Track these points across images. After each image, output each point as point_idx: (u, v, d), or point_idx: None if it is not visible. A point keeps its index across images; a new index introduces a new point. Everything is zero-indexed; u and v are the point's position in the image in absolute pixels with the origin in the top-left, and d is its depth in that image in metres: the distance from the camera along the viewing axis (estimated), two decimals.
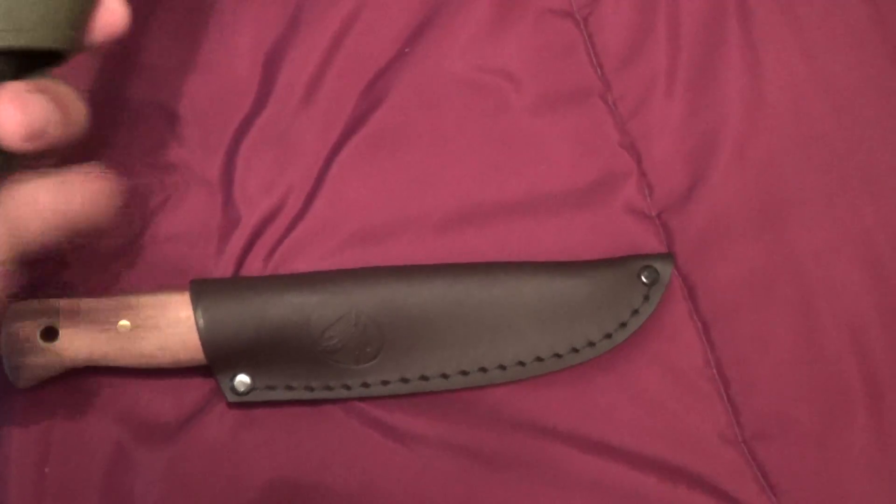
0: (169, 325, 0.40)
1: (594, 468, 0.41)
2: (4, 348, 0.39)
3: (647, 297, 0.42)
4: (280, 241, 0.44)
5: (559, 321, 0.42)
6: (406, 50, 0.46)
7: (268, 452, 0.41)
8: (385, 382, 0.41)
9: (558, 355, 0.42)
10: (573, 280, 0.42)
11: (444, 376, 0.42)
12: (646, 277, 0.42)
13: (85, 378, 0.42)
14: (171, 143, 0.45)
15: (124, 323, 0.40)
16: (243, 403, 0.41)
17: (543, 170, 0.45)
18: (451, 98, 0.46)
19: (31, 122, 0.31)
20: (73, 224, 0.33)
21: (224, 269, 0.43)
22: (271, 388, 0.41)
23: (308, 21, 0.46)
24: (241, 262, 0.44)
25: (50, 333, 0.39)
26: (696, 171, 0.45)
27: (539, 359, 0.42)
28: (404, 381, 0.41)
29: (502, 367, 0.42)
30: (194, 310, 0.40)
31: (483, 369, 0.42)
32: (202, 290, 0.40)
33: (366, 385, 0.41)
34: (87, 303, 0.40)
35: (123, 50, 0.46)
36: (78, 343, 0.40)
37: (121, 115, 0.45)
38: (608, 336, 0.42)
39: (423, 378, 0.42)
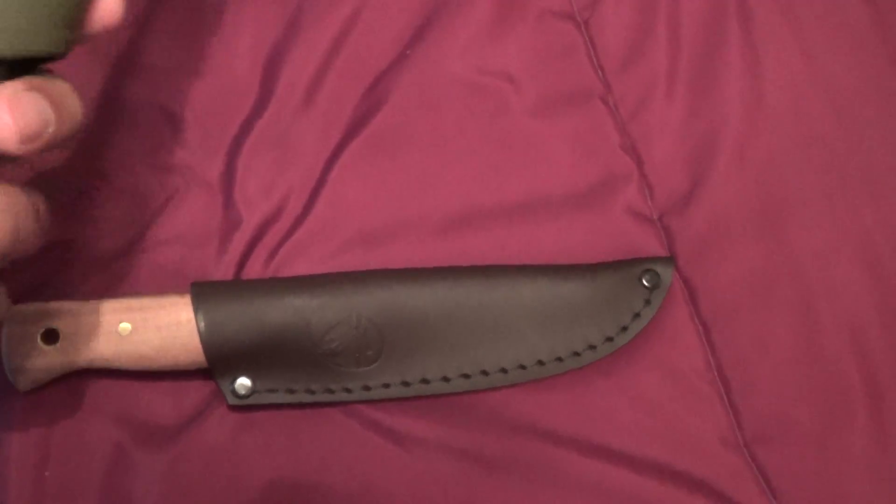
0: (169, 327, 0.40)
1: (595, 471, 0.41)
2: (5, 351, 0.39)
3: (648, 301, 0.42)
4: (281, 243, 0.44)
5: (560, 324, 0.42)
6: (407, 52, 0.46)
7: (268, 455, 0.41)
8: (386, 385, 0.41)
9: (559, 359, 0.42)
10: (574, 283, 0.42)
11: (446, 379, 0.42)
12: (647, 281, 0.42)
13: (85, 380, 0.42)
14: (172, 144, 0.45)
15: (125, 325, 0.40)
16: (244, 406, 0.41)
17: (544, 171, 0.45)
18: (451, 100, 0.46)
19: (27, 126, 0.30)
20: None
21: (225, 271, 0.43)
22: (272, 390, 0.41)
23: (308, 22, 0.46)
24: (241, 264, 0.44)
25: (51, 336, 0.39)
26: (697, 173, 0.45)
27: (540, 362, 0.42)
28: (405, 384, 0.41)
29: (503, 371, 0.42)
30: (195, 312, 0.40)
31: (484, 372, 0.42)
32: (203, 292, 0.40)
33: (367, 388, 0.41)
34: (87, 305, 0.40)
35: (124, 51, 0.45)
36: (78, 345, 0.39)
37: (121, 116, 0.45)
38: (609, 339, 0.42)
39: (425, 381, 0.41)
